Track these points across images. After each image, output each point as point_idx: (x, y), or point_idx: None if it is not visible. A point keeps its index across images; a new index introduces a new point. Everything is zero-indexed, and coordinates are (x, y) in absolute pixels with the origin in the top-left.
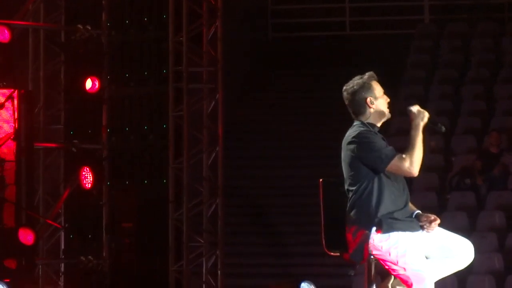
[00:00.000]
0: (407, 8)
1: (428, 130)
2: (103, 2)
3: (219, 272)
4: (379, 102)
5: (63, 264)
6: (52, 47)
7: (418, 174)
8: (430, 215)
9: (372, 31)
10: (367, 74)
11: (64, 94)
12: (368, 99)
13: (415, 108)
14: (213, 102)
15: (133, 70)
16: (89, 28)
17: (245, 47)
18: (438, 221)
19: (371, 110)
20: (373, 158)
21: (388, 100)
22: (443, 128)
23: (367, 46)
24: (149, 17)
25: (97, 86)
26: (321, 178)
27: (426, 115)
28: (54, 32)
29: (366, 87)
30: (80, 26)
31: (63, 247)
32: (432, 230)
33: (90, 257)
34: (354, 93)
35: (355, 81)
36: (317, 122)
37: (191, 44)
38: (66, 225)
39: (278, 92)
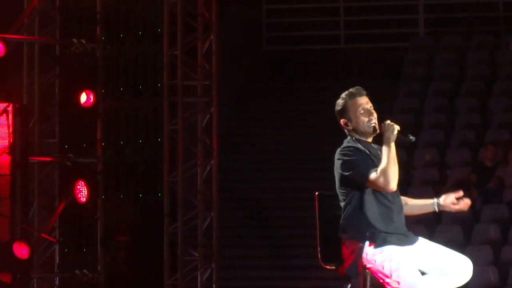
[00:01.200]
0: (402, 21)
1: (399, 141)
2: (97, 16)
3: (214, 286)
4: (355, 122)
5: (57, 278)
6: (47, 61)
7: (413, 187)
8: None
9: (366, 44)
10: (345, 93)
11: (59, 108)
12: (343, 122)
13: (385, 123)
14: (208, 116)
15: (128, 83)
16: (84, 42)
17: (240, 60)
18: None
19: (350, 130)
20: (352, 176)
21: (373, 114)
22: (413, 138)
23: (361, 59)
24: (143, 31)
25: (91, 99)
26: (317, 191)
27: (396, 128)
28: (49, 45)
29: (339, 110)
30: (74, 40)
31: (57, 261)
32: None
33: (85, 270)
34: (335, 116)
35: (336, 102)
36: (312, 134)
37: (186, 58)
38: (61, 239)
39: (273, 105)
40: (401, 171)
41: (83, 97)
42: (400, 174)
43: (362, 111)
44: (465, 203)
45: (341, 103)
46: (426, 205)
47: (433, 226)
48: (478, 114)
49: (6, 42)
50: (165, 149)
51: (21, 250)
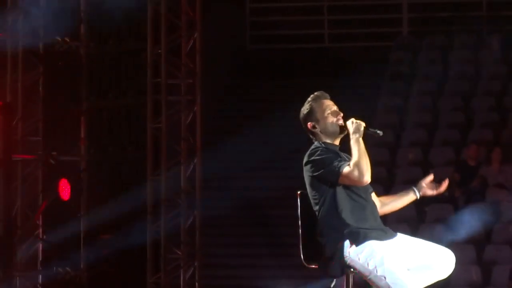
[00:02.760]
0: (386, 21)
1: (367, 137)
2: (81, 14)
3: (196, 284)
4: (323, 123)
5: (40, 276)
6: (30, 59)
7: (396, 186)
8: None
9: (350, 43)
10: (309, 97)
11: (43, 106)
12: (310, 125)
13: (350, 121)
14: (191, 114)
15: (112, 82)
16: (68, 40)
17: (224, 58)
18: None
19: (317, 133)
20: (324, 174)
21: (340, 115)
22: (380, 132)
23: (345, 58)
24: (127, 29)
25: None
26: (300, 190)
27: (362, 124)
28: (33, 43)
29: (305, 114)
30: (58, 38)
31: (40, 259)
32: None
33: (67, 268)
34: (301, 122)
35: (301, 109)
36: (296, 133)
37: (170, 56)
38: (44, 237)
39: (257, 103)
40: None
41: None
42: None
43: (329, 112)
44: (443, 184)
45: (307, 107)
46: (406, 196)
47: (417, 225)
48: (461, 113)
49: None
50: (149, 147)
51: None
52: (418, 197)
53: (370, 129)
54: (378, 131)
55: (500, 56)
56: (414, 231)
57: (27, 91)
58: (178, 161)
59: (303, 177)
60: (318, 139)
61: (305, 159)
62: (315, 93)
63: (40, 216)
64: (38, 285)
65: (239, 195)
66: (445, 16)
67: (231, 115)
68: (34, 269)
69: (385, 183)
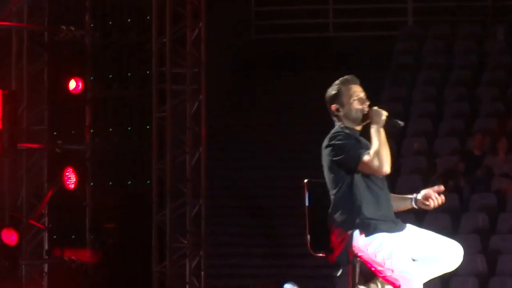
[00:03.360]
0: (391, 10)
1: (388, 126)
2: (86, 3)
3: (202, 273)
4: (347, 108)
5: (46, 265)
6: (35, 48)
7: (401, 176)
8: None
9: (355, 32)
10: (338, 80)
11: (48, 95)
12: (334, 107)
13: (373, 109)
14: (196, 103)
15: (117, 71)
16: (73, 29)
17: (229, 47)
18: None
19: (340, 116)
20: (344, 159)
21: (366, 102)
22: (402, 123)
23: (350, 47)
24: (132, 19)
25: (80, 87)
26: (305, 179)
27: (384, 113)
28: (38, 33)
29: (333, 95)
30: (63, 27)
31: (46, 248)
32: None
33: (73, 257)
34: (326, 102)
35: (328, 89)
36: (301, 123)
37: (175, 45)
38: (50, 226)
39: (262, 92)
40: (392, 158)
41: (71, 84)
42: (391, 160)
43: (356, 98)
44: (438, 202)
45: (335, 89)
46: (404, 201)
47: (422, 215)
48: (466, 103)
49: None
50: (154, 136)
51: (9, 237)
52: (415, 207)
53: (391, 119)
54: (400, 122)
55: (505, 45)
56: (419, 221)
57: (32, 80)
58: (183, 150)
59: (308, 167)
60: (340, 122)
61: (325, 142)
62: (345, 77)
63: (46, 205)
64: (44, 274)
65: (244, 184)
66: (450, 5)
67: (236, 105)
68: (40, 258)
69: (390, 173)
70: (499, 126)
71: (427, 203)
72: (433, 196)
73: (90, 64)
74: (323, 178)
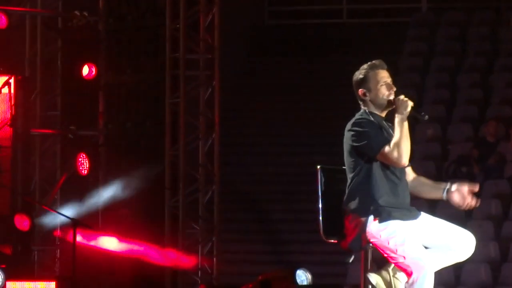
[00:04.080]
0: None
1: (411, 118)
2: None
3: (214, 259)
4: (374, 93)
5: (58, 250)
6: (49, 33)
7: (415, 163)
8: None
9: (369, 19)
10: (367, 64)
11: (61, 81)
12: (361, 91)
13: (399, 98)
14: (210, 89)
15: (130, 57)
16: (86, 14)
17: (242, 33)
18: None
19: (367, 101)
20: (364, 147)
21: (393, 89)
22: (426, 117)
23: (363, 34)
24: (146, 4)
25: (94, 72)
26: (318, 165)
27: (409, 104)
28: (51, 18)
29: (360, 79)
30: (77, 12)
31: (59, 233)
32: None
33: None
34: (353, 85)
35: (356, 72)
36: (313, 109)
37: (188, 31)
38: (62, 212)
39: (275, 78)
40: (412, 147)
41: (85, 70)
42: (411, 150)
43: (383, 84)
44: (469, 203)
45: (363, 73)
46: (436, 189)
47: (435, 201)
48: (480, 90)
49: (9, 14)
50: (167, 122)
51: (22, 222)
52: (444, 199)
53: (416, 111)
54: (424, 115)
55: None
56: (432, 207)
57: (46, 65)
58: (197, 136)
59: (321, 152)
60: (366, 107)
61: (348, 126)
62: (373, 61)
63: (59, 191)
64: (56, 260)
65: (257, 170)
66: None
67: (249, 90)
68: (53, 243)
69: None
70: None
71: (458, 201)
72: (468, 196)
73: (103, 50)
74: (335, 164)
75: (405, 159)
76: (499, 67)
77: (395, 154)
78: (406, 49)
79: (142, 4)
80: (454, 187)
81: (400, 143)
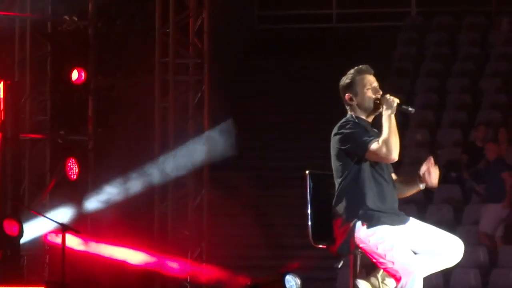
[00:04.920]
0: (394, 1)
1: (398, 113)
2: None
3: (203, 264)
4: (360, 97)
5: (48, 255)
6: (38, 38)
7: (404, 167)
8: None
9: (359, 23)
10: (352, 69)
11: (51, 85)
12: (347, 96)
13: (385, 96)
14: (199, 94)
15: (120, 61)
16: (76, 19)
17: (232, 37)
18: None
19: (353, 105)
20: (353, 146)
21: (379, 92)
22: (412, 110)
23: (353, 38)
24: (135, 8)
25: (83, 77)
26: (307, 170)
27: (396, 101)
28: (41, 22)
29: (347, 84)
30: (66, 17)
31: (48, 238)
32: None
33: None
34: (340, 91)
35: (342, 78)
36: (303, 113)
37: (178, 35)
38: (52, 216)
39: (264, 82)
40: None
41: (74, 74)
42: (401, 146)
43: (369, 87)
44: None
45: (349, 77)
46: (412, 184)
47: (424, 206)
48: (469, 95)
49: None
50: (157, 126)
51: (11, 227)
52: (421, 187)
53: (403, 106)
54: (410, 109)
55: (508, 37)
56: (421, 213)
57: (35, 70)
58: (186, 140)
59: (312, 157)
60: (353, 112)
61: (334, 130)
62: (360, 66)
63: (48, 195)
64: (46, 265)
65: (247, 175)
66: None
67: (238, 95)
68: (42, 248)
69: (393, 164)
70: (502, 117)
71: (428, 178)
72: (430, 169)
73: (93, 54)
74: (326, 168)
75: (394, 153)
76: (488, 71)
77: (384, 149)
78: (396, 53)
79: (131, 8)
80: (421, 170)
81: (389, 138)
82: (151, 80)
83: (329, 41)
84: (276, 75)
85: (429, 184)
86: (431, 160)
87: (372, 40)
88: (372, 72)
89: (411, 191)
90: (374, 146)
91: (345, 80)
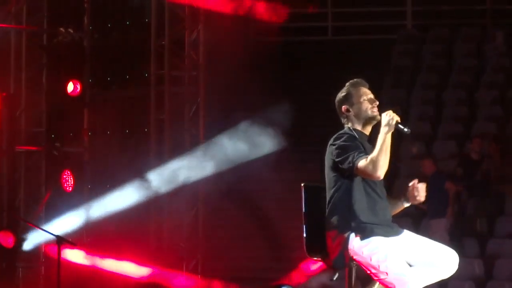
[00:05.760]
0: (390, 13)
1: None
2: (85, 5)
3: (199, 276)
4: (356, 108)
5: (43, 267)
6: (34, 50)
7: (400, 180)
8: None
9: (354, 36)
10: (348, 83)
11: (46, 97)
12: (344, 108)
13: (385, 113)
14: (195, 106)
15: (115, 73)
16: (71, 31)
17: (227, 50)
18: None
19: (350, 117)
20: (343, 161)
21: (376, 103)
22: (408, 131)
23: (349, 51)
24: (131, 20)
25: (78, 89)
26: (303, 183)
27: (395, 119)
28: (36, 34)
29: (343, 97)
30: (62, 29)
31: (43, 250)
32: (422, 196)
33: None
34: (336, 106)
35: (338, 94)
36: (299, 125)
37: (173, 48)
38: (47, 228)
39: (260, 95)
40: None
41: (70, 87)
42: (389, 165)
43: (365, 98)
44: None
45: (345, 90)
46: (396, 203)
47: (419, 219)
48: (465, 107)
49: None
50: (152, 138)
51: (7, 239)
52: (406, 205)
53: (400, 125)
54: (406, 129)
55: (504, 49)
56: (416, 225)
57: (31, 82)
58: (182, 152)
59: (305, 170)
60: (350, 124)
61: (331, 141)
62: (355, 79)
63: (43, 207)
64: (41, 277)
65: (242, 187)
66: (449, 9)
67: (234, 108)
68: (38, 260)
69: (389, 176)
70: (498, 129)
71: (416, 195)
72: (417, 187)
73: (88, 66)
74: (321, 181)
75: (379, 172)
76: (484, 83)
77: (370, 167)
78: (392, 65)
79: (127, 20)
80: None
81: (377, 157)
82: (147, 92)
83: (325, 54)
84: (270, 88)
85: (416, 201)
86: (416, 180)
87: (368, 53)
88: (367, 85)
89: (396, 210)
90: (361, 163)
91: (340, 94)
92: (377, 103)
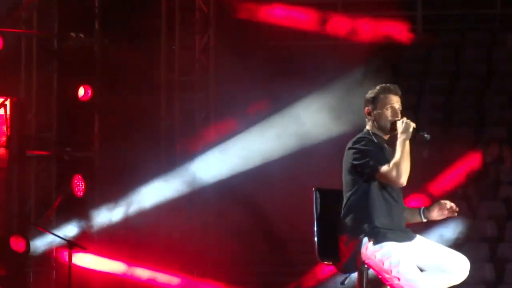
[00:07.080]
0: (400, 18)
1: (413, 139)
2: (95, 10)
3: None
4: (378, 115)
5: (54, 272)
6: (44, 55)
7: (411, 185)
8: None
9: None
10: (381, 85)
11: (57, 102)
12: (367, 110)
13: (400, 121)
14: (205, 111)
15: (126, 78)
16: (82, 36)
17: (238, 55)
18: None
19: (371, 120)
20: (363, 166)
21: (398, 115)
22: (428, 137)
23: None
24: (141, 26)
25: (89, 94)
26: (314, 188)
27: (412, 126)
28: (47, 39)
29: (370, 98)
30: (72, 34)
31: (54, 255)
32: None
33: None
34: (364, 102)
35: (370, 90)
36: (307, 131)
37: (184, 53)
38: (58, 233)
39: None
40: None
41: (80, 91)
42: (411, 171)
43: (389, 108)
44: (453, 210)
45: (374, 93)
46: (412, 214)
47: (429, 223)
48: (474, 111)
49: (4, 35)
50: (162, 144)
51: (17, 244)
52: (423, 219)
53: (419, 132)
54: (426, 135)
55: None
56: (427, 229)
57: (41, 87)
58: (192, 158)
59: (307, 178)
60: (369, 126)
61: (349, 144)
62: (388, 84)
63: (54, 212)
64: (52, 281)
65: (246, 193)
66: (458, 13)
67: (244, 112)
68: (48, 265)
69: None
70: (507, 134)
71: (438, 216)
72: (447, 207)
73: (99, 71)
74: (330, 184)
75: (403, 179)
76: (494, 88)
77: (393, 173)
78: (401, 70)
79: (137, 25)
80: (431, 207)
81: (400, 163)
82: (157, 97)
83: (333, 58)
84: (280, 92)
85: (435, 217)
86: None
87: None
88: (399, 93)
89: (412, 220)
90: (384, 168)
91: (369, 94)
92: (399, 116)
